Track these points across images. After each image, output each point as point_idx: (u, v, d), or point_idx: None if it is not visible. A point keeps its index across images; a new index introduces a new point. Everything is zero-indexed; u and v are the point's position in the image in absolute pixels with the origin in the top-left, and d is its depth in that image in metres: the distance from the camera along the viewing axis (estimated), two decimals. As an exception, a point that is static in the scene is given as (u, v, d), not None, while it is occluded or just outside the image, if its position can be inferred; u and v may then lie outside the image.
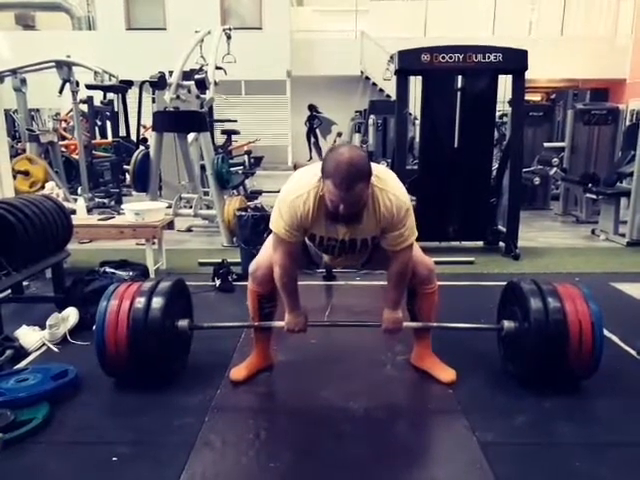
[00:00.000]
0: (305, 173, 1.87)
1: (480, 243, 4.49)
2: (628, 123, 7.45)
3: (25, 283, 3.18)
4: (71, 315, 2.61)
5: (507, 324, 2.12)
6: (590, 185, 5.21)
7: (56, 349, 2.45)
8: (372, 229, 1.85)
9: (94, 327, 2.04)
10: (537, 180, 5.85)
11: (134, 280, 2.84)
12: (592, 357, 1.96)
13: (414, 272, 2.05)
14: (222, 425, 1.89)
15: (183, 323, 2.16)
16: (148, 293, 2.07)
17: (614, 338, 2.58)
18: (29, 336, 2.47)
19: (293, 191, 1.81)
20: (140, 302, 2.03)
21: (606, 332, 2.61)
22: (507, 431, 1.83)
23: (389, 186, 1.80)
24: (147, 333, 1.99)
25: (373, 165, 1.77)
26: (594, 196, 5.20)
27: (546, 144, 6.25)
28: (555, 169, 5.69)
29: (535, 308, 1.98)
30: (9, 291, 2.88)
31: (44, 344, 2.47)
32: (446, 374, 2.14)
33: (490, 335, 2.30)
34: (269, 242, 2.03)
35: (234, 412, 2.00)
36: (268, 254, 2.02)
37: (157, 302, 2.04)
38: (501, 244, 4.36)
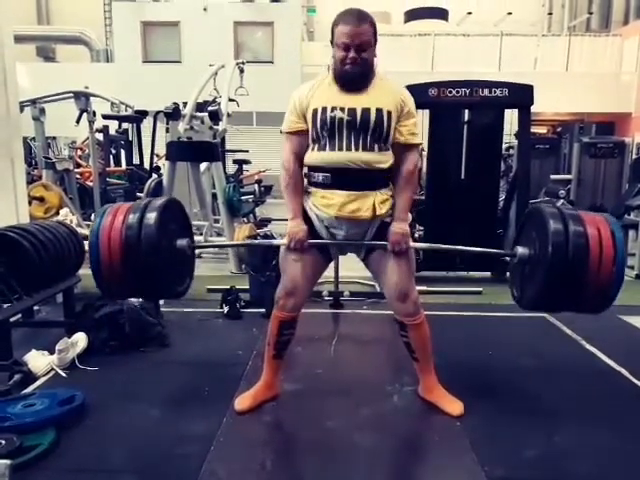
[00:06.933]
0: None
1: (488, 273, 4.48)
2: (634, 156, 7.49)
3: (35, 307, 3.21)
4: (80, 340, 2.63)
5: (521, 250, 2.05)
6: (598, 217, 5.21)
7: (64, 374, 2.46)
8: (385, 101, 1.90)
9: (87, 245, 1.98)
10: (544, 212, 5.86)
11: (141, 306, 2.88)
12: (611, 282, 1.82)
13: (399, 307, 2.04)
14: (228, 455, 1.87)
15: (182, 242, 2.09)
16: (142, 209, 1.98)
17: (624, 372, 2.54)
18: (38, 361, 2.48)
19: (297, 90, 2.02)
20: (133, 218, 1.94)
21: (615, 366, 2.60)
22: (517, 466, 1.80)
23: (394, 82, 2.01)
24: (141, 247, 1.90)
25: None
26: (602, 228, 5.19)
27: (553, 176, 6.30)
28: (562, 201, 5.71)
29: (554, 229, 1.86)
30: (19, 315, 2.91)
31: (52, 369, 2.48)
32: (454, 406, 2.12)
33: (498, 366, 2.29)
34: (284, 264, 2.06)
35: (240, 441, 1.98)
36: (288, 278, 2.03)
37: (150, 217, 1.94)
38: (509, 275, 4.34)
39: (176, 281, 2.12)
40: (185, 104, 4.87)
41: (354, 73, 1.86)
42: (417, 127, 1.98)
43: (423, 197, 4.49)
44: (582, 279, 1.83)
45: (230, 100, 5.22)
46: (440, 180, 4.29)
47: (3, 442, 1.75)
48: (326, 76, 1.99)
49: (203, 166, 5.50)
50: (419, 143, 2.00)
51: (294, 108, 1.97)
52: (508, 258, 2.16)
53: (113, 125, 8.47)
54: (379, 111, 1.88)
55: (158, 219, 1.95)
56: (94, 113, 5.84)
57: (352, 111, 1.87)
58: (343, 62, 1.86)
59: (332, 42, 1.91)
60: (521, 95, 4.08)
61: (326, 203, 1.95)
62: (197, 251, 5.40)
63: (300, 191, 2.02)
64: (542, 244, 1.93)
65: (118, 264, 1.91)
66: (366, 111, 1.87)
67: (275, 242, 2.13)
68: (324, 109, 1.88)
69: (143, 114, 6.88)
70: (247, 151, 8.81)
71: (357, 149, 1.89)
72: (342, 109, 1.87)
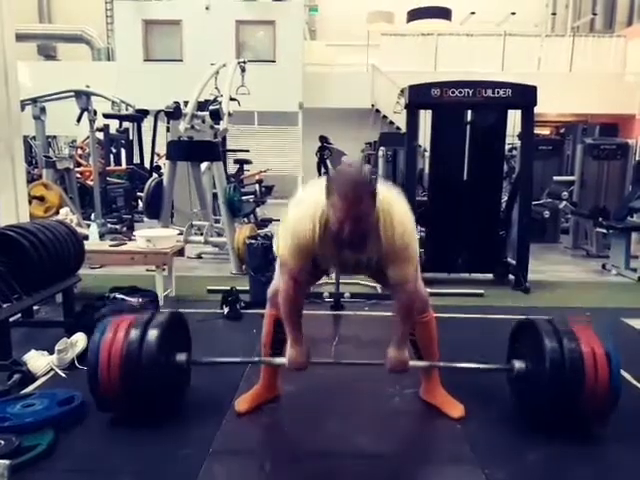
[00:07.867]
0: (309, 198, 1.83)
1: (490, 275, 4.46)
2: (638, 158, 7.47)
3: (35, 307, 3.20)
4: (80, 340, 2.62)
5: (518, 364, 2.06)
6: (600, 219, 5.19)
7: (63, 374, 2.45)
8: (377, 251, 1.82)
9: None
10: (547, 213, 5.84)
11: (141, 307, 2.87)
12: (608, 400, 1.89)
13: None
14: (226, 457, 1.87)
15: (181, 357, 2.11)
16: (143, 325, 2.01)
17: (627, 376, 2.52)
18: (37, 361, 2.47)
19: (298, 217, 1.80)
20: (135, 335, 1.97)
21: (619, 369, 2.56)
22: (518, 470, 1.79)
23: (395, 212, 1.80)
24: (141, 367, 1.92)
25: (382, 186, 1.77)
26: (604, 230, 5.17)
27: (556, 177, 6.27)
28: (565, 202, 5.69)
29: (550, 348, 1.91)
30: (19, 315, 2.90)
31: (52, 369, 2.47)
32: (455, 409, 2.11)
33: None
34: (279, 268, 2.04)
35: (239, 443, 1.97)
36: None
37: (152, 335, 1.98)
38: (511, 277, 4.33)
39: (174, 394, 2.11)
40: (186, 103, 4.87)
41: (351, 240, 1.69)
42: (412, 261, 1.83)
43: (425, 198, 4.48)
44: (578, 401, 1.88)
45: (231, 99, 5.21)
46: (442, 181, 4.27)
47: (2, 442, 1.75)
48: (326, 219, 1.73)
49: (204, 166, 5.50)
50: (410, 283, 1.85)
51: (302, 255, 1.80)
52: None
53: (114, 124, 8.49)
54: (370, 259, 1.86)
55: (159, 337, 1.97)
56: (95, 112, 5.86)
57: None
58: (340, 229, 1.66)
59: (327, 194, 1.67)
60: (524, 96, 4.06)
61: None
62: (197, 251, 5.40)
63: (300, 317, 1.96)
64: (539, 363, 1.95)
65: (116, 379, 1.92)
66: (359, 260, 1.88)
67: (276, 361, 2.10)
68: (327, 259, 1.90)
69: (144, 113, 6.88)
70: (248, 151, 8.82)
71: (355, 269, 2.03)
72: (344, 259, 1.89)
